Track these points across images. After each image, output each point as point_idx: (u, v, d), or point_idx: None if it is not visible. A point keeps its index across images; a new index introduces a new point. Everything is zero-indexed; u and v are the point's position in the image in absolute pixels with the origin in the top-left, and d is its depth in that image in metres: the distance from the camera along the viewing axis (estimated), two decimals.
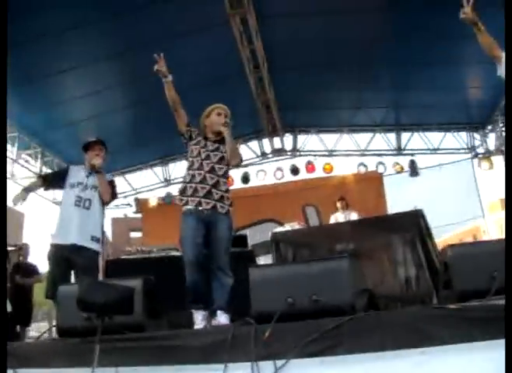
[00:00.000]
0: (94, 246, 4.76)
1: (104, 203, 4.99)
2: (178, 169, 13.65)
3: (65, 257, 4.63)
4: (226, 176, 4.47)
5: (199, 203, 4.23)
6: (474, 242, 4.93)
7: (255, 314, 3.20)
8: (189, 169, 4.44)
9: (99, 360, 2.99)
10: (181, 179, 14.00)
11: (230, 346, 3.02)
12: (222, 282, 4.15)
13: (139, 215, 14.28)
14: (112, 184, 5.13)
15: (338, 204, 8.89)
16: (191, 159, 4.47)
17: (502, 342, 2.78)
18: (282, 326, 3.07)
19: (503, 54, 4.13)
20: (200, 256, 4.09)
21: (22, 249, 8.67)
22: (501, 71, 4.17)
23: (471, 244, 3.84)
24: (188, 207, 4.26)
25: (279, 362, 2.92)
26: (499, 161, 12.11)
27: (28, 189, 5.00)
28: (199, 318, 4.06)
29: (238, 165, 4.83)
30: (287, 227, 7.90)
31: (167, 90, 4.51)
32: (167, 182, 13.79)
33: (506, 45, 3.82)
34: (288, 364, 2.92)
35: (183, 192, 4.36)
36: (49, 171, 11.80)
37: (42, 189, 5.29)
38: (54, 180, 5.20)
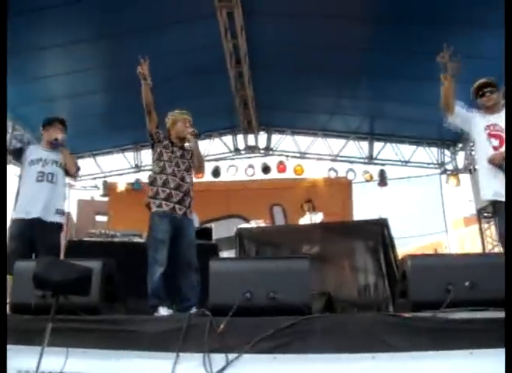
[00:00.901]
0: (58, 219, 4.83)
1: (71, 176, 5.15)
2: (150, 156, 13.52)
3: (28, 233, 4.63)
4: (192, 183, 4.79)
5: (173, 209, 4.54)
6: (433, 254, 5.02)
7: (212, 306, 3.21)
8: (160, 172, 4.66)
9: (50, 340, 2.95)
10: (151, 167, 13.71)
11: (184, 336, 3.02)
12: (192, 280, 4.46)
13: (106, 199, 14.10)
14: (73, 157, 5.35)
15: (305, 206, 8.95)
16: (161, 163, 4.70)
17: (451, 353, 2.86)
18: (237, 320, 3.09)
19: (457, 109, 4.57)
20: (166, 258, 4.35)
21: None
22: (452, 120, 4.64)
23: (430, 256, 3.93)
24: (162, 209, 4.52)
25: (231, 355, 2.94)
26: (466, 179, 12.37)
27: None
28: (164, 314, 4.17)
29: (201, 174, 5.07)
30: (253, 224, 7.94)
31: (144, 92, 4.69)
32: (138, 168, 13.64)
33: (506, 45, 3.92)
34: (240, 358, 2.95)
35: (156, 194, 4.58)
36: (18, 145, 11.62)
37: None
38: (16, 155, 5.14)
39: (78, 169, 5.25)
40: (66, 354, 3.02)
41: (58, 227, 4.87)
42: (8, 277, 3.75)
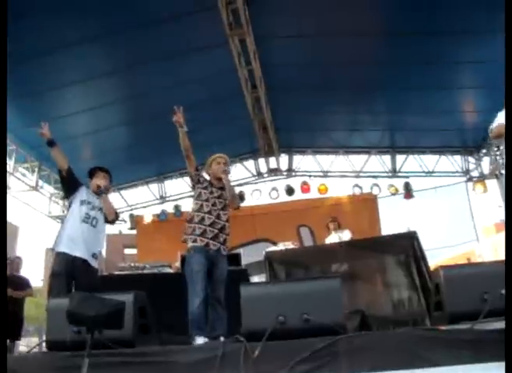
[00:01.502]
0: (93, 263, 5.01)
1: (109, 222, 5.33)
2: (173, 186, 13.67)
3: (71, 271, 4.79)
4: (229, 220, 5.03)
5: (207, 244, 4.78)
6: (465, 263, 4.91)
7: (245, 332, 3.20)
8: (198, 210, 4.94)
9: None
10: (176, 197, 13.86)
11: (220, 364, 3.01)
12: (220, 313, 4.65)
13: (134, 232, 14.23)
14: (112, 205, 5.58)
15: (331, 225, 8.85)
16: (200, 202, 4.98)
17: (493, 365, 2.79)
18: (272, 345, 3.06)
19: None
20: (206, 290, 4.58)
21: (15, 263, 8.62)
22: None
23: (462, 266, 3.85)
24: (197, 244, 4.78)
25: None
26: (494, 185, 12.16)
27: (53, 143, 5.27)
28: (201, 343, 4.28)
29: (238, 208, 5.39)
30: (281, 246, 7.89)
31: (182, 139, 4.97)
32: (162, 199, 13.75)
33: (506, 44, 3.88)
34: None
35: (193, 231, 4.85)
36: (46, 184, 11.86)
37: (61, 170, 5.26)
38: (72, 178, 5.26)
39: (117, 215, 5.52)
40: None
41: (95, 271, 5.06)
42: (43, 317, 3.79)
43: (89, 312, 2.96)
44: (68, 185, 5.25)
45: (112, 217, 5.32)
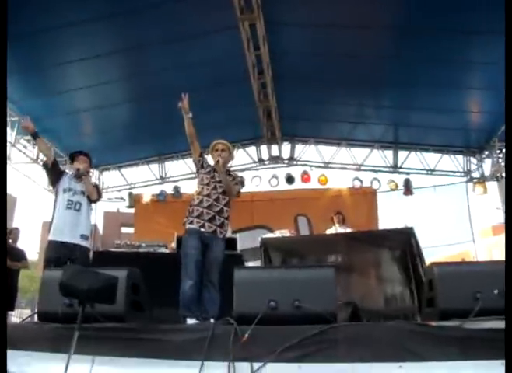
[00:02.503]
0: (84, 243, 5.34)
1: (93, 202, 5.63)
2: (174, 167, 13.64)
3: (62, 255, 5.08)
4: (228, 205, 5.09)
5: (203, 226, 4.86)
6: (460, 262, 4.92)
7: (237, 315, 3.21)
8: (198, 194, 5.05)
9: (77, 348, 2.98)
10: (176, 178, 13.88)
11: (209, 345, 3.02)
12: (213, 296, 4.69)
13: (132, 210, 14.23)
14: (96, 186, 5.97)
15: (335, 218, 8.84)
16: (201, 186, 5.09)
17: (481, 363, 2.80)
18: (262, 329, 3.07)
19: None
20: (199, 273, 4.64)
21: (12, 233, 8.64)
22: None
23: (456, 264, 3.85)
24: (192, 226, 4.86)
25: (256, 364, 2.93)
26: (494, 187, 12.16)
27: (36, 136, 5.51)
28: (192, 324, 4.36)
29: (237, 196, 5.40)
30: (277, 234, 7.90)
31: (187, 125, 5.05)
32: (162, 179, 13.73)
33: (506, 44, 3.85)
34: (265, 367, 2.93)
35: (191, 213, 4.94)
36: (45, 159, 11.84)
37: (47, 162, 5.59)
38: (56, 169, 5.65)
39: (99, 194, 5.82)
40: (92, 362, 3.04)
41: (86, 249, 5.40)
42: (36, 289, 3.86)
43: (81, 285, 2.97)
44: (53, 176, 5.58)
45: (95, 197, 5.59)
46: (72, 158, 5.73)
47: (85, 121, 10.95)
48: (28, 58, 8.13)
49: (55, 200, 5.46)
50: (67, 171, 5.86)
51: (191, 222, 4.88)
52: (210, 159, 5.38)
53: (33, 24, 7.32)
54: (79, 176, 5.46)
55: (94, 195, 5.56)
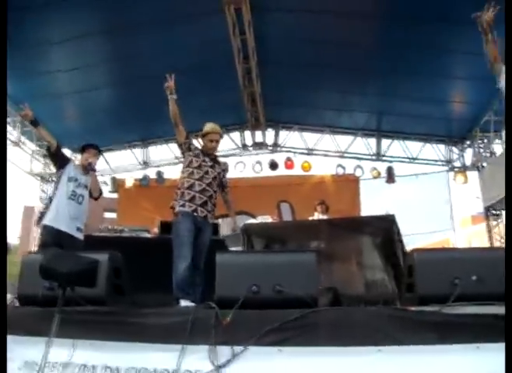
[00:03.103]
0: (78, 236, 5.27)
1: (93, 198, 5.57)
2: (157, 152, 13.60)
3: (57, 242, 4.97)
4: (217, 191, 5.09)
5: (195, 210, 4.79)
6: (439, 248, 4.99)
7: (218, 299, 3.22)
8: (188, 176, 4.94)
9: (57, 331, 2.97)
10: (159, 163, 13.70)
11: (190, 329, 3.03)
12: (197, 280, 4.66)
13: (114, 195, 14.16)
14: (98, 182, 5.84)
15: (319, 208, 8.85)
16: (190, 169, 4.96)
17: (458, 347, 2.85)
18: (243, 313, 3.09)
19: (503, 68, 4.08)
20: (192, 255, 4.57)
21: None
22: (501, 84, 4.11)
23: (436, 250, 3.90)
24: (185, 209, 4.78)
25: (237, 348, 2.95)
26: (474, 176, 12.29)
27: (36, 123, 5.39)
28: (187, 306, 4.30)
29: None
30: (260, 220, 7.91)
31: (171, 106, 4.95)
32: (145, 164, 13.68)
33: (506, 44, 3.88)
34: (246, 350, 2.95)
35: (181, 196, 4.85)
36: (28, 141, 11.75)
37: (50, 147, 5.50)
38: (61, 155, 5.63)
39: (100, 193, 5.74)
40: (73, 345, 3.04)
41: (80, 242, 5.28)
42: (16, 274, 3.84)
43: (61, 268, 2.96)
44: (58, 161, 5.50)
45: (97, 194, 5.56)
46: (83, 149, 5.60)
47: (66, 104, 10.80)
48: (9, 37, 7.96)
49: (56, 186, 5.41)
50: (73, 159, 5.88)
51: (183, 205, 4.80)
52: (196, 143, 5.32)
53: (13, 1, 7.16)
54: (91, 170, 5.45)
55: (97, 192, 5.56)
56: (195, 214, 4.78)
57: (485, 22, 4.12)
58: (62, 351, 3.04)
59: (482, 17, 4.14)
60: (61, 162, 5.46)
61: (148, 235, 7.14)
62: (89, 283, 3.10)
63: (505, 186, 3.57)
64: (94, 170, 5.55)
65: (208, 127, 5.24)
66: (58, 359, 3.02)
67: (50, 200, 5.43)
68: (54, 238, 5.03)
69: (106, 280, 3.50)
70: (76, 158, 5.85)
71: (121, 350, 3.08)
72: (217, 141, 5.20)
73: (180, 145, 5.20)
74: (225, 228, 7.57)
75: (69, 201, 5.23)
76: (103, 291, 3.45)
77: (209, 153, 5.14)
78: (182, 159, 5.31)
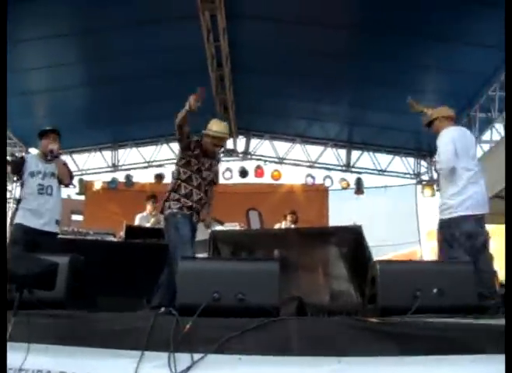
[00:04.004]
0: (56, 229, 5.16)
1: (65, 185, 5.31)
2: (127, 155, 13.43)
3: (30, 239, 4.82)
4: (212, 196, 5.12)
5: (191, 215, 4.74)
6: (402, 260, 5.05)
7: (179, 305, 3.18)
8: (186, 182, 4.78)
9: (12, 335, 2.90)
10: (129, 166, 13.51)
11: (149, 335, 2.98)
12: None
13: (82, 197, 13.96)
14: (66, 166, 5.45)
15: (289, 217, 8.90)
16: (188, 173, 4.80)
17: (418, 359, 2.87)
18: (204, 321, 3.05)
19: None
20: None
21: None
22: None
23: (399, 262, 3.95)
24: (183, 212, 4.69)
25: (197, 355, 2.91)
26: None
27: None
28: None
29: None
30: (228, 227, 7.88)
31: (183, 118, 4.70)
32: (115, 167, 13.54)
33: (506, 45, 3.95)
34: (205, 358, 2.91)
35: (179, 202, 4.71)
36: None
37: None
38: (17, 168, 5.20)
39: (71, 178, 5.45)
40: (27, 350, 2.96)
41: (56, 235, 5.18)
42: None
43: (19, 270, 2.89)
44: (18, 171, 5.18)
45: (67, 181, 5.29)
46: (42, 135, 5.25)
47: (37, 103, 10.64)
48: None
49: (23, 187, 5.08)
50: (27, 155, 5.53)
51: (181, 208, 4.70)
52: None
53: None
54: (54, 157, 5.08)
55: (67, 178, 5.24)
56: (192, 217, 4.76)
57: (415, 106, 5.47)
58: (16, 355, 2.95)
59: (413, 106, 5.53)
60: (19, 169, 5.11)
61: (113, 239, 7.05)
62: (47, 286, 3.03)
63: (505, 186, 3.66)
64: (57, 156, 5.17)
65: (218, 129, 5.01)
66: (12, 363, 2.93)
67: (19, 200, 5.11)
68: (25, 235, 4.82)
69: (65, 283, 3.42)
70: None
71: (78, 355, 3.01)
72: (222, 147, 5.16)
73: (182, 141, 4.92)
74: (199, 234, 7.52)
75: (39, 197, 4.98)
76: (62, 294, 3.38)
77: (208, 154, 4.99)
78: (158, 162, 5.18)
